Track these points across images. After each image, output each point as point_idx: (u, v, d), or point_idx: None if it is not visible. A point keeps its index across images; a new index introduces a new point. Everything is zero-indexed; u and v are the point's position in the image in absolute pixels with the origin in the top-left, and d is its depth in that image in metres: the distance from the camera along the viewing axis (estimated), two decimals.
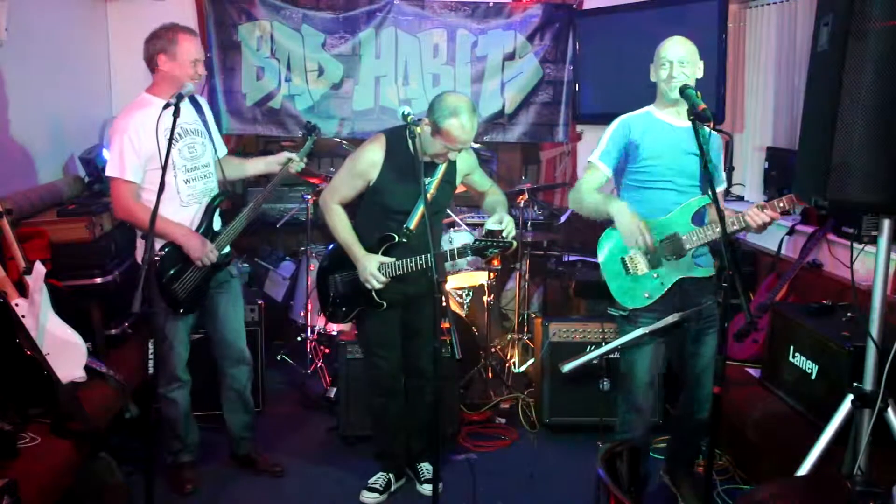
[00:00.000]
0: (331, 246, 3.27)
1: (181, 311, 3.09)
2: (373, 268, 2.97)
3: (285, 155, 3.32)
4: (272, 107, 5.16)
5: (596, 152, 2.97)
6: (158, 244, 3.00)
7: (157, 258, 2.98)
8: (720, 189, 2.92)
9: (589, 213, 2.94)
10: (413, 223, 3.00)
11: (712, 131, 2.82)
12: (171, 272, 3.03)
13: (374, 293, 3.05)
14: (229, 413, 3.41)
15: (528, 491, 3.40)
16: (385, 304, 3.09)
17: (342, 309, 3.19)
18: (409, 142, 2.89)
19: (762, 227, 2.72)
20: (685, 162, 2.85)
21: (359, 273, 3.01)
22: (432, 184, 3.03)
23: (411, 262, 2.95)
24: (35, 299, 2.94)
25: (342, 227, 3.05)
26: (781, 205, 2.67)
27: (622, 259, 2.89)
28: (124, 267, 3.76)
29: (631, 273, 2.88)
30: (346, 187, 3.06)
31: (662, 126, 2.89)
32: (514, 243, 2.95)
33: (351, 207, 3.13)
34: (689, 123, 2.68)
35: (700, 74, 2.84)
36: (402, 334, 3.22)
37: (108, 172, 2.98)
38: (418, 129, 2.82)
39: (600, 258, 2.96)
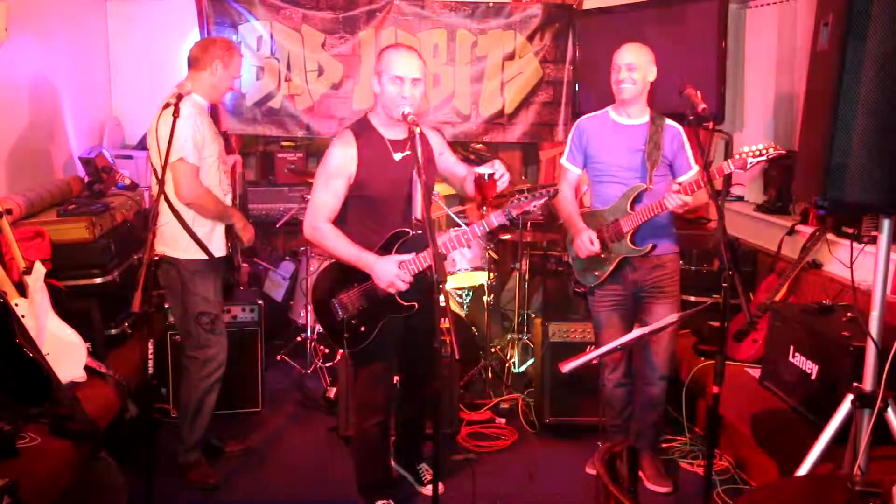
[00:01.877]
0: (313, 270, 3.20)
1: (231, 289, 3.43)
2: (393, 269, 2.75)
3: (232, 157, 3.57)
4: (272, 107, 5.16)
5: (563, 155, 3.38)
6: (208, 229, 3.20)
7: (229, 245, 3.30)
8: (686, 177, 3.19)
9: (562, 221, 3.43)
10: (419, 213, 2.83)
11: (669, 122, 3.18)
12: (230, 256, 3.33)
13: (397, 297, 2.84)
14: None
15: (528, 491, 3.40)
16: (416, 304, 2.86)
17: (361, 329, 2.88)
18: (409, 139, 2.80)
19: (682, 208, 3.00)
20: (628, 158, 3.17)
21: (378, 280, 2.78)
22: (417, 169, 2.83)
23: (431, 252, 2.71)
24: (35, 299, 2.94)
25: (341, 241, 2.82)
26: (692, 187, 2.96)
27: None
28: (124, 267, 3.77)
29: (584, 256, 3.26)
30: (328, 197, 2.83)
31: (613, 125, 3.24)
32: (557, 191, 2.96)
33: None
34: (642, 121, 3.18)
35: (652, 78, 3.14)
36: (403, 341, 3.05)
37: (181, 153, 3.06)
38: (418, 129, 2.77)
39: (567, 245, 3.40)
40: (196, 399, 3.29)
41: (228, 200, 3.33)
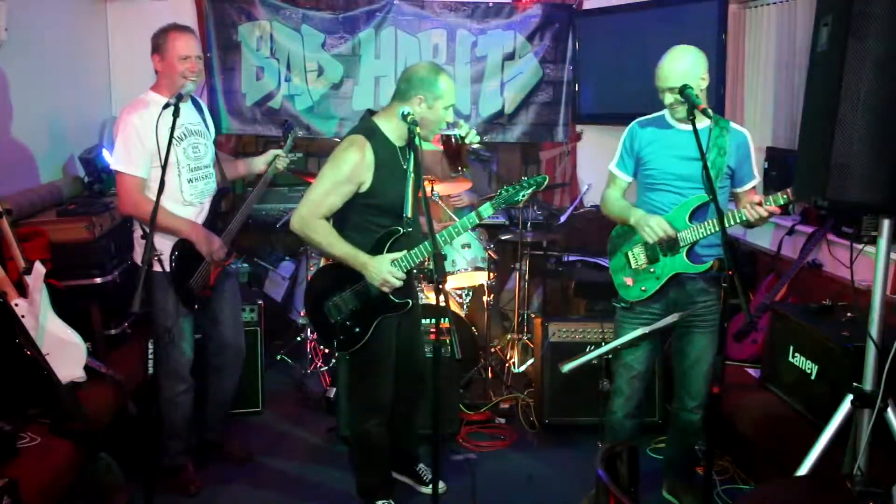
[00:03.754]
0: (303, 273, 3.16)
1: (195, 306, 3.15)
2: (387, 267, 2.78)
3: (272, 152, 3.40)
4: (272, 107, 5.16)
5: (613, 160, 3.10)
6: (169, 242, 3.05)
7: (172, 257, 3.05)
8: (745, 187, 2.98)
9: (615, 220, 3.10)
10: (409, 211, 2.86)
11: (735, 127, 2.92)
12: (185, 268, 3.08)
13: (391, 296, 2.86)
14: (212, 407, 3.44)
15: (528, 491, 3.40)
16: (410, 301, 2.89)
17: (355, 330, 2.89)
18: (409, 143, 2.81)
19: (758, 222, 2.81)
20: (685, 166, 2.90)
21: (372, 279, 2.79)
22: (414, 167, 2.89)
23: (423, 249, 2.78)
24: (35, 299, 2.94)
25: (335, 240, 2.80)
26: (778, 199, 2.72)
27: (625, 254, 3.03)
28: (124, 267, 3.76)
29: (633, 267, 3.00)
30: (333, 197, 2.79)
31: (669, 131, 2.96)
32: (546, 178, 2.93)
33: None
34: (703, 126, 2.84)
35: (704, 85, 2.83)
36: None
37: (114, 166, 2.99)
38: (418, 129, 2.78)
39: (609, 251, 3.12)
40: (164, 413, 3.19)
41: (192, 211, 3.11)
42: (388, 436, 3.10)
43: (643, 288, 2.98)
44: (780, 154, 4.33)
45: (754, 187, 3.01)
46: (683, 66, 2.80)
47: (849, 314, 3.11)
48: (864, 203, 2.18)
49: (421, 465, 3.36)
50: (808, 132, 2.36)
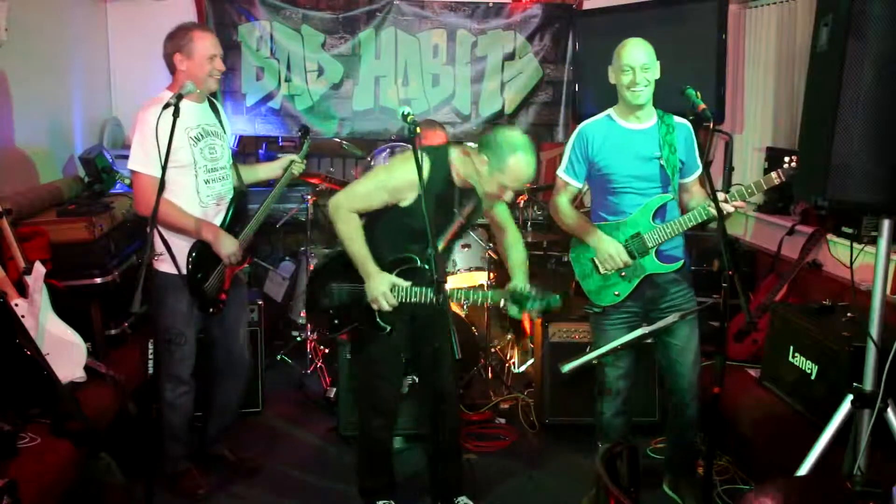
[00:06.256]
0: (330, 250, 3.14)
1: (210, 310, 3.12)
2: (385, 288, 2.75)
3: (288, 158, 3.35)
4: (272, 107, 5.17)
5: (561, 165, 3.07)
6: (186, 244, 3.01)
7: (189, 259, 3.02)
8: (694, 176, 3.00)
9: (569, 232, 3.09)
10: (439, 244, 2.81)
11: (678, 121, 2.93)
12: (202, 271, 3.05)
13: (377, 315, 2.84)
14: (216, 417, 3.37)
15: (528, 491, 3.40)
16: (389, 328, 2.85)
17: (335, 321, 2.94)
18: (412, 142, 2.72)
19: (728, 216, 2.80)
20: (641, 166, 2.91)
21: (368, 291, 2.78)
22: (464, 209, 2.86)
23: (423, 292, 2.75)
24: (35, 299, 2.94)
25: (357, 238, 2.78)
26: (771, 179, 2.78)
27: (592, 259, 3.01)
28: (124, 267, 3.76)
29: (601, 273, 2.99)
30: (373, 198, 2.78)
31: (620, 132, 2.96)
32: (559, 298, 2.76)
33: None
34: (652, 123, 2.92)
35: (658, 75, 2.87)
36: (412, 350, 3.02)
37: (132, 166, 2.93)
38: (418, 130, 2.76)
39: (572, 260, 3.09)
40: (164, 416, 3.15)
41: (209, 212, 3.06)
42: (428, 462, 3.05)
43: (616, 293, 2.96)
44: (780, 154, 4.33)
45: (700, 177, 3.02)
46: (649, 49, 2.86)
47: (849, 314, 3.12)
48: (864, 203, 2.19)
49: (461, 498, 3.15)
50: (808, 132, 2.36)
